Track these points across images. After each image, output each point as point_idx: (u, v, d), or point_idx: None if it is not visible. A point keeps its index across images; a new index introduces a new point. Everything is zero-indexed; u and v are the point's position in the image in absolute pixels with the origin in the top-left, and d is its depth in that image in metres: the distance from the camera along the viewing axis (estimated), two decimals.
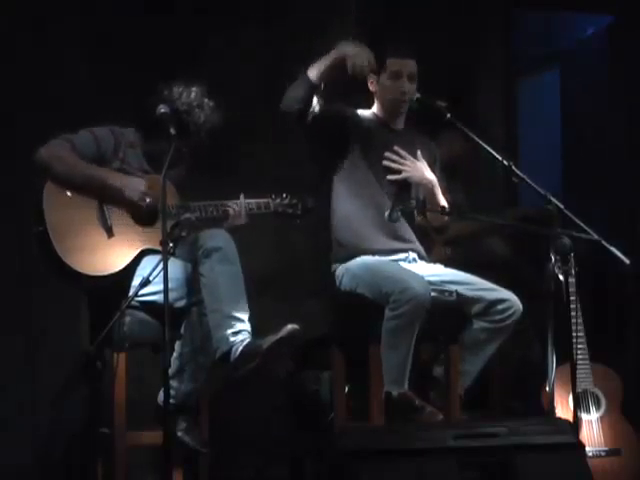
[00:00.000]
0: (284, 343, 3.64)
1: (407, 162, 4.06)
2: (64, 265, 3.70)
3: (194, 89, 3.94)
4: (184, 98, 3.90)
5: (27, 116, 4.63)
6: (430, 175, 4.09)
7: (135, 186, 3.82)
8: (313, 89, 3.90)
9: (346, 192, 4.06)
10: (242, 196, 3.96)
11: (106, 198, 3.81)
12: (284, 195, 4.06)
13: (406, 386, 3.78)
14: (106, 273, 3.75)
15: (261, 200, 4.03)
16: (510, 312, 3.89)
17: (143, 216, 3.82)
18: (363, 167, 4.05)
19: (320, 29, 5.21)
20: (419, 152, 4.09)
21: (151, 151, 3.93)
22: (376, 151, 4.07)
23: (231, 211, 3.94)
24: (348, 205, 4.05)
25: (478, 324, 3.91)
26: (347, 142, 4.05)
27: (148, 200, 3.81)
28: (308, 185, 4.26)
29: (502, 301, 3.90)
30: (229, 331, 3.67)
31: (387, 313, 3.77)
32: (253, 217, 3.99)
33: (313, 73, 3.89)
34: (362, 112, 4.16)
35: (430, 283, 3.91)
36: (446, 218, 4.19)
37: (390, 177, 4.05)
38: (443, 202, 4.12)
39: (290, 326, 3.65)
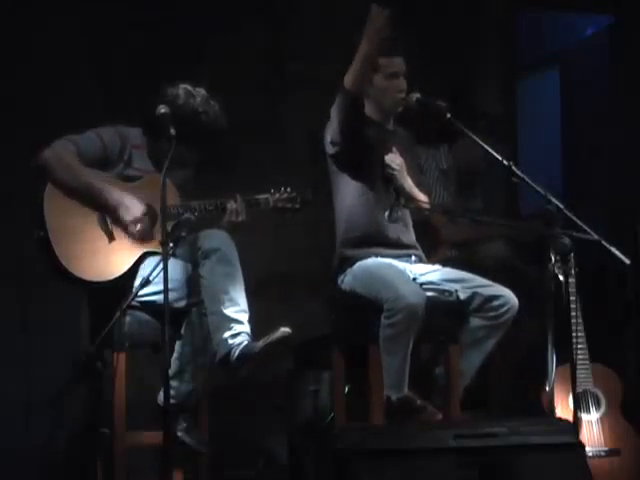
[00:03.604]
0: (275, 346, 3.63)
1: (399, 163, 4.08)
2: (65, 271, 3.69)
3: (200, 92, 3.92)
4: (190, 103, 3.88)
5: (27, 116, 4.63)
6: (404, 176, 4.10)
7: (131, 207, 3.77)
8: (358, 100, 3.88)
9: (349, 195, 4.06)
10: (238, 196, 3.95)
11: (102, 210, 3.79)
12: (282, 189, 4.04)
13: (405, 390, 3.78)
14: (108, 278, 3.75)
15: (260, 196, 4.01)
16: (506, 308, 3.89)
17: (135, 237, 3.79)
18: (365, 170, 4.05)
19: (320, 29, 5.22)
20: (394, 149, 4.09)
21: (158, 152, 3.90)
22: (375, 153, 4.06)
23: (229, 206, 3.92)
24: (351, 208, 4.05)
25: (474, 321, 3.91)
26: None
27: (139, 227, 3.76)
28: (307, 185, 4.26)
29: (497, 297, 3.90)
30: (228, 334, 3.67)
31: (382, 320, 3.77)
32: (253, 215, 3.98)
33: (349, 83, 3.84)
34: None
35: (430, 283, 3.92)
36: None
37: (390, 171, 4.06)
38: (421, 196, 4.13)
39: (282, 330, 3.64)
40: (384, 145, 4.08)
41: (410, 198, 4.06)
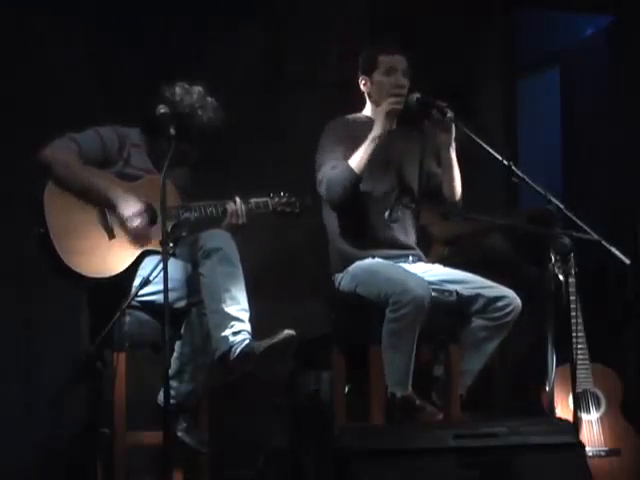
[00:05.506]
0: (278, 348, 3.63)
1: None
2: (65, 267, 3.69)
3: (196, 89, 3.92)
4: (186, 100, 3.89)
5: (27, 116, 4.63)
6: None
7: (130, 203, 3.77)
8: (358, 181, 3.92)
9: None
10: (237, 198, 3.95)
11: (102, 206, 3.80)
12: (282, 193, 4.04)
13: (409, 388, 3.77)
14: (107, 275, 3.74)
15: (260, 199, 4.01)
16: (509, 309, 3.88)
17: (131, 233, 3.79)
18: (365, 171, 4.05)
19: (320, 29, 5.22)
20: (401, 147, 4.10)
21: (157, 152, 3.90)
22: (377, 153, 4.06)
23: (230, 208, 3.92)
24: (350, 210, 4.05)
25: (477, 322, 3.90)
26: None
27: (136, 223, 3.76)
28: (307, 185, 4.26)
29: (501, 298, 3.89)
30: (229, 331, 3.67)
31: (388, 315, 3.75)
32: (253, 217, 3.98)
33: (355, 164, 3.90)
34: (355, 116, 4.15)
35: (430, 283, 3.91)
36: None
37: None
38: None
39: (286, 332, 3.63)
40: (386, 146, 4.07)
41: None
